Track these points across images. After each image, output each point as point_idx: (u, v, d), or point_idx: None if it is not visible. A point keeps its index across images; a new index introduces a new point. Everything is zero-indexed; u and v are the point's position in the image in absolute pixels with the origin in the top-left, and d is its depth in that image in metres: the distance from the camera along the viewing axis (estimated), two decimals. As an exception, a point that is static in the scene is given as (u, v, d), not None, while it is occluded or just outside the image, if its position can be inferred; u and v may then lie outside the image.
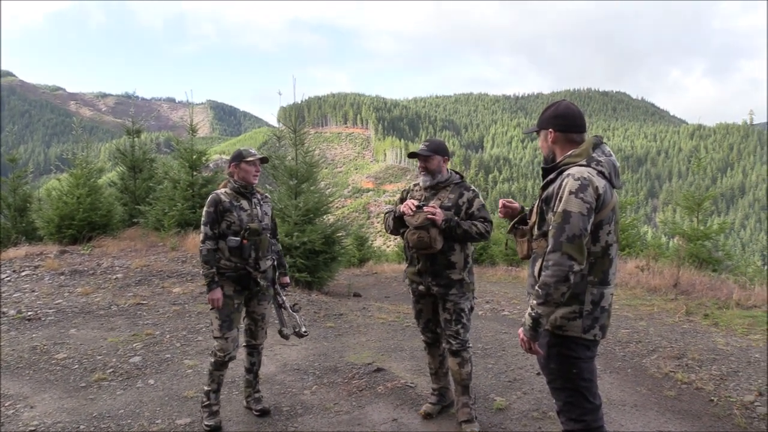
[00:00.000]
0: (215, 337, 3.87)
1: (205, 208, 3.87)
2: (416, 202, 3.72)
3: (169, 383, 4.78)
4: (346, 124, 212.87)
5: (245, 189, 3.98)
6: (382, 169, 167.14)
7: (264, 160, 4.06)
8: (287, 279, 4.35)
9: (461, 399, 3.83)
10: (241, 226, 3.87)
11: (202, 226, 3.85)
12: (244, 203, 3.96)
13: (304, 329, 4.19)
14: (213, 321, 3.88)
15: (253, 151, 4.04)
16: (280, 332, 4.12)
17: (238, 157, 3.96)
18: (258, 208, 4.04)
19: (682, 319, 7.00)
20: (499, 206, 2.96)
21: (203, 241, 3.81)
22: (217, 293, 3.78)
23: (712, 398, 4.38)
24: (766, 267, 15.29)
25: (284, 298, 4.21)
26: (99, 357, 5.38)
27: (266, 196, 4.22)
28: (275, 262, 4.20)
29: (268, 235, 4.09)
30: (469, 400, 3.83)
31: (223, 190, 3.98)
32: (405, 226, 3.75)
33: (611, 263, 2.51)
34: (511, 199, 2.97)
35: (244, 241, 3.86)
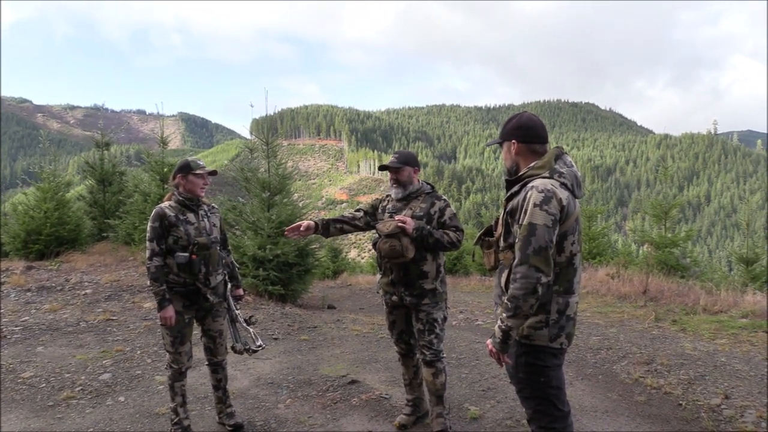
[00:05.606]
0: (168, 352, 3.83)
1: (149, 223, 3.70)
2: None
3: (140, 400, 4.70)
4: (319, 135, 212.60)
5: (191, 201, 3.83)
6: (356, 180, 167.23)
7: (212, 173, 3.93)
8: (241, 291, 4.26)
9: (435, 409, 3.85)
10: (189, 241, 3.73)
11: (147, 242, 3.69)
12: (191, 216, 3.81)
13: (258, 343, 4.09)
14: (165, 337, 3.81)
15: (201, 162, 3.89)
16: (233, 348, 4.04)
17: (185, 168, 3.80)
18: (205, 220, 3.90)
19: (651, 325, 7.14)
20: None
21: (150, 258, 3.66)
22: (170, 311, 3.69)
23: (681, 402, 4.48)
24: (732, 273, 15.66)
25: (237, 311, 4.09)
26: (67, 375, 5.26)
27: (213, 207, 4.08)
28: (227, 276, 4.09)
29: (218, 248, 3.96)
30: (443, 410, 3.84)
31: (167, 203, 3.81)
32: (377, 235, 3.77)
33: (576, 272, 2.57)
34: None
35: (193, 257, 3.72)
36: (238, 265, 4.35)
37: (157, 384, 5.07)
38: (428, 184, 3.93)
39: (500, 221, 2.67)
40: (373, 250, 3.94)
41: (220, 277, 3.97)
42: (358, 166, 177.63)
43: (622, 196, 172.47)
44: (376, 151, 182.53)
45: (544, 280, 2.35)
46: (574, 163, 2.62)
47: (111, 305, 7.81)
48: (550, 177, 2.50)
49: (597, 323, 7.51)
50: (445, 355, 3.86)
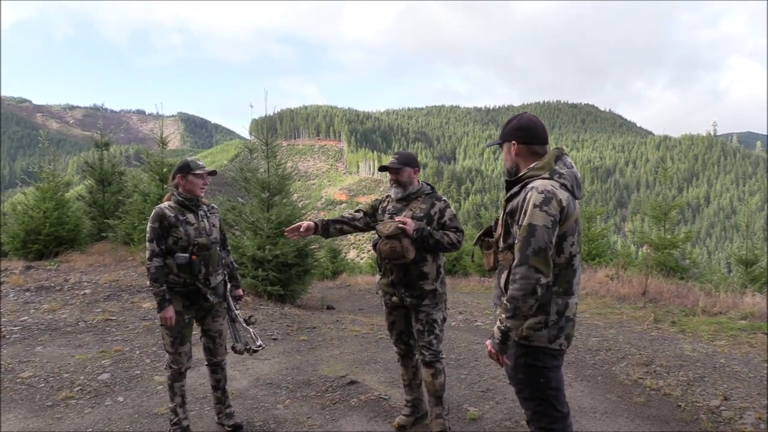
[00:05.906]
0: (168, 352, 3.83)
1: (149, 224, 3.70)
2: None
3: (139, 400, 4.69)
4: (318, 136, 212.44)
5: (190, 202, 3.83)
6: (356, 181, 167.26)
7: (212, 173, 3.93)
8: (240, 291, 4.26)
9: (434, 410, 3.85)
10: (189, 242, 3.73)
11: (147, 243, 3.69)
12: (190, 217, 3.82)
13: (258, 343, 4.08)
14: (164, 337, 3.82)
15: (200, 162, 3.89)
16: (233, 348, 4.03)
17: (185, 168, 3.80)
18: (205, 220, 3.90)
19: (650, 326, 7.14)
20: None
21: (150, 259, 3.66)
22: (170, 312, 3.70)
23: (680, 403, 4.48)
24: (731, 274, 15.65)
25: (237, 312, 4.09)
26: (66, 375, 5.26)
27: (213, 207, 4.08)
28: (226, 276, 4.09)
29: (218, 248, 3.96)
30: (442, 410, 3.84)
31: (167, 203, 3.81)
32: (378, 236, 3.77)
33: (575, 273, 2.56)
34: None
35: (194, 257, 3.72)
36: (237, 266, 4.34)
37: (156, 384, 5.06)
38: (428, 184, 3.92)
39: (500, 222, 2.67)
40: (372, 251, 3.93)
41: (220, 278, 3.97)
42: (358, 166, 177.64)
43: (621, 198, 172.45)
44: (375, 152, 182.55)
45: (543, 281, 2.35)
46: (573, 164, 2.62)
47: (110, 305, 7.80)
48: (550, 178, 2.50)
49: (596, 324, 7.50)
50: (444, 356, 3.86)
